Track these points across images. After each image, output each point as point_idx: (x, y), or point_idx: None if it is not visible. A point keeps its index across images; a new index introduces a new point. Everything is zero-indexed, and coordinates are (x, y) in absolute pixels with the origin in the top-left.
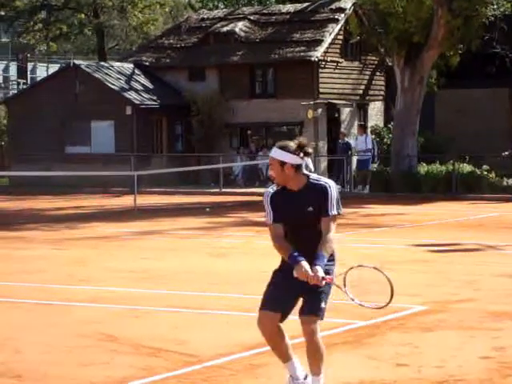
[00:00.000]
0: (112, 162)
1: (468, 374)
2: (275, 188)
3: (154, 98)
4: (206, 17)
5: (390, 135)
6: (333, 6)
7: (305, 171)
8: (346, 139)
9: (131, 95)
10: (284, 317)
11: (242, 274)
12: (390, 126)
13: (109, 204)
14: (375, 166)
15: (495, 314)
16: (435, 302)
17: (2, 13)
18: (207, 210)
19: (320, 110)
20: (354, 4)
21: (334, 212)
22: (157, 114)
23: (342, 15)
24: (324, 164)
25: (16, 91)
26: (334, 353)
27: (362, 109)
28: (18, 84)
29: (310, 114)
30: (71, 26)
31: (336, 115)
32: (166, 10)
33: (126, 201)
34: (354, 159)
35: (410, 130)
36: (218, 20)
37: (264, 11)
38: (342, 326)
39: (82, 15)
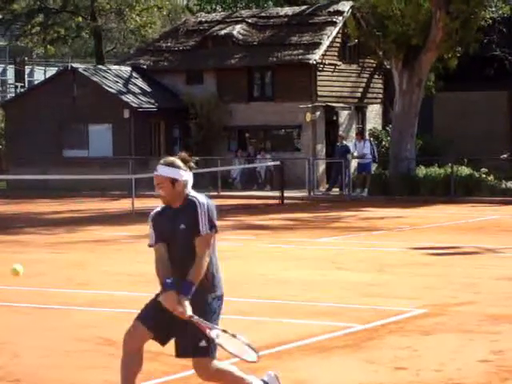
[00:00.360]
0: (110, 166)
1: (467, 377)
2: (158, 208)
3: (152, 101)
4: (203, 20)
5: (389, 138)
6: (331, 9)
7: (187, 187)
8: (345, 142)
9: (129, 98)
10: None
11: (240, 277)
12: (388, 128)
13: (107, 207)
14: (373, 168)
15: (494, 317)
16: (434, 305)
17: (0, 16)
18: None
19: (318, 113)
20: (351, 7)
21: (206, 231)
22: (155, 118)
23: (340, 18)
24: (322, 167)
25: (13, 95)
26: (333, 356)
27: (360, 112)
28: (16, 87)
29: (308, 116)
30: (69, 29)
31: (334, 118)
32: (164, 13)
33: (124, 204)
34: (353, 162)
35: (409, 132)
36: (216, 23)
37: (262, 14)
38: (340, 330)
39: (80, 18)
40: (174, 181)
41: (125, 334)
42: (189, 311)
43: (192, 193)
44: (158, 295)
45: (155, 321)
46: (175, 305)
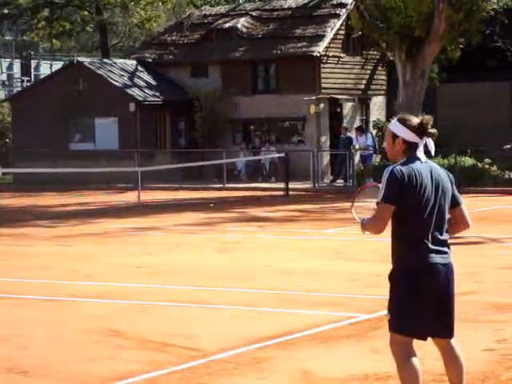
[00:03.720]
0: (116, 159)
1: (471, 366)
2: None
3: (157, 94)
4: (208, 13)
5: None
6: (334, 1)
7: (419, 154)
8: (348, 134)
9: (134, 92)
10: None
11: (245, 269)
12: (391, 120)
13: (113, 200)
14: (376, 160)
15: (498, 306)
16: None
17: (6, 11)
18: (211, 205)
19: (322, 105)
20: None
21: (378, 199)
22: (160, 111)
23: (344, 10)
24: (327, 158)
25: (20, 89)
26: (338, 346)
27: (363, 103)
28: (22, 81)
29: (313, 109)
30: (74, 23)
31: (338, 110)
32: (169, 6)
33: (130, 197)
34: (357, 155)
35: None
36: (220, 16)
37: (266, 7)
38: (345, 320)
39: (85, 12)
40: (394, 136)
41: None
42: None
43: (411, 158)
44: None
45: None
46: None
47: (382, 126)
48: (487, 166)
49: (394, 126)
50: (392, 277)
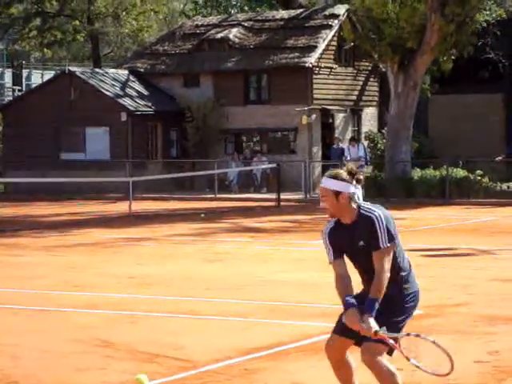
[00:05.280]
0: (107, 168)
1: (463, 378)
2: (331, 223)
3: (149, 104)
4: (200, 23)
5: (384, 140)
6: (326, 13)
7: (356, 201)
8: (341, 144)
9: (126, 102)
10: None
11: (237, 280)
12: (383, 131)
13: (104, 210)
14: (368, 171)
15: (489, 318)
16: (430, 307)
17: None
18: (202, 215)
19: (314, 116)
20: (347, 10)
21: (386, 244)
22: (152, 121)
23: (336, 21)
24: (318, 169)
25: (11, 98)
26: None
27: (355, 114)
28: (13, 91)
29: (305, 119)
30: (66, 32)
31: (330, 121)
32: (161, 16)
33: (122, 207)
34: None
35: (404, 135)
36: (213, 26)
37: (258, 17)
38: None
39: (77, 22)
40: (337, 193)
41: (325, 347)
42: (374, 327)
43: (365, 205)
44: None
45: (351, 329)
46: (358, 323)
47: (374, 137)
48: (479, 178)
49: (332, 184)
50: (405, 301)
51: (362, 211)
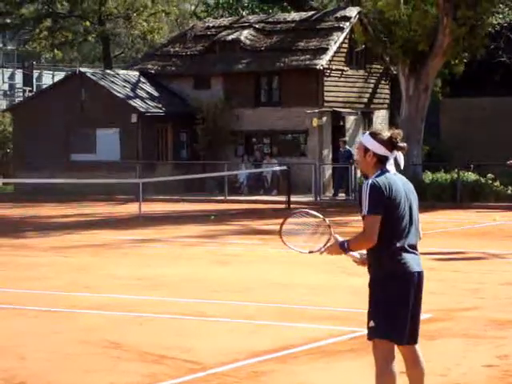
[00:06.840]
0: (117, 170)
1: (472, 382)
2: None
3: (160, 105)
4: (211, 25)
5: None
6: (338, 15)
7: (389, 167)
8: (347, 147)
9: (136, 103)
10: None
11: (245, 282)
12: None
13: (113, 211)
14: None
15: (499, 322)
16: (439, 310)
17: (8, 21)
18: (212, 217)
19: (325, 119)
20: (359, 13)
21: (364, 212)
22: (162, 122)
23: (347, 24)
24: (329, 172)
25: (22, 99)
26: (339, 361)
27: (366, 117)
28: (24, 92)
29: (315, 122)
30: (76, 33)
31: (341, 123)
32: (172, 18)
33: (131, 208)
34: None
35: (415, 138)
36: (224, 28)
37: (269, 19)
38: (346, 334)
39: (87, 23)
40: (366, 150)
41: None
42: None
43: (384, 173)
44: None
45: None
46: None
47: None
48: (490, 182)
49: (366, 139)
50: (376, 283)
51: (378, 173)
